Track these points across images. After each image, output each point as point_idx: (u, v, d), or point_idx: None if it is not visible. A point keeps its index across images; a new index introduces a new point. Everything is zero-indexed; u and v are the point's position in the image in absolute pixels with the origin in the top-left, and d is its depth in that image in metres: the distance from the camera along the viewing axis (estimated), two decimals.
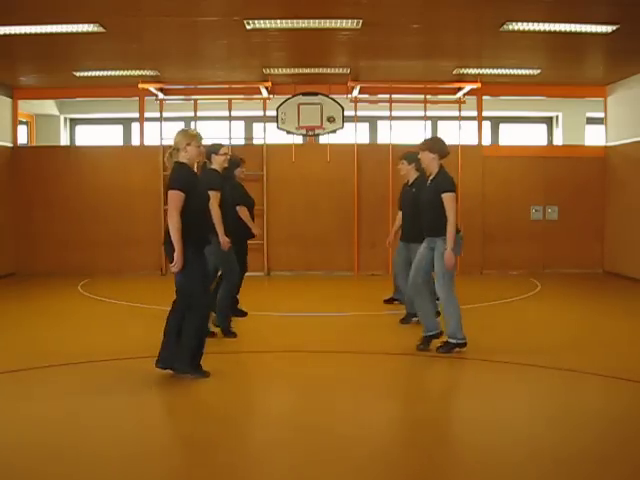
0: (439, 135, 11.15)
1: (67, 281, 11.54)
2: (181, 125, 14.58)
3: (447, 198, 6.26)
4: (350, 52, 10.55)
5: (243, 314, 8.19)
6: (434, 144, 6.55)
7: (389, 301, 9.06)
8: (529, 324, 8.25)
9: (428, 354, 6.46)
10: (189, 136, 5.73)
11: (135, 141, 13.87)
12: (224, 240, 6.88)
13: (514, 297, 10.03)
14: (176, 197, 5.45)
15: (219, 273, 7.21)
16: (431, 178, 6.54)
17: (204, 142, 5.95)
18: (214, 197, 6.59)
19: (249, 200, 8.21)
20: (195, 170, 6.04)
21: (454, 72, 11.55)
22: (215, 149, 7.06)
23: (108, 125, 15.07)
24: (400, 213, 8.31)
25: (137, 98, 12.75)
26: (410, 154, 7.74)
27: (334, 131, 12.35)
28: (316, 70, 11.47)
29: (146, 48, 9.99)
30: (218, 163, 7.07)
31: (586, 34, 8.75)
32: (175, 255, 5.42)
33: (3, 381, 5.69)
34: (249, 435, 4.56)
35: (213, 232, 6.64)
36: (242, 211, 7.84)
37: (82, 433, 4.48)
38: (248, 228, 7.98)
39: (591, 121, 14.54)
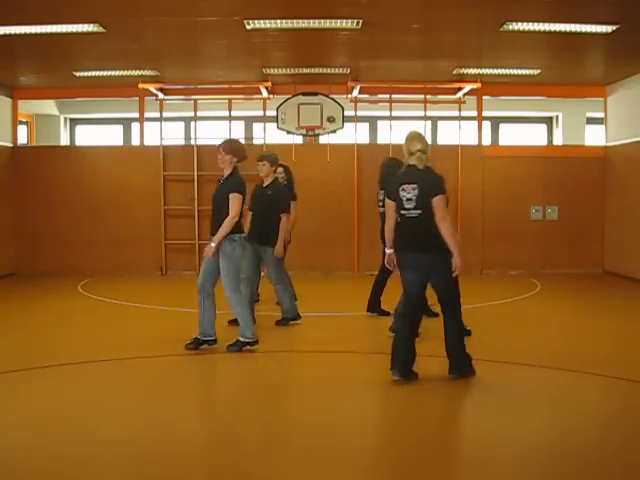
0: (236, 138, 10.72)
1: (67, 281, 11.54)
2: (181, 125, 14.60)
3: (232, 197, 6.38)
4: (350, 52, 10.55)
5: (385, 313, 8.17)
6: (229, 146, 6.63)
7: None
8: (529, 324, 8.25)
9: (426, 355, 6.45)
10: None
11: (135, 141, 13.87)
12: None
13: (514, 297, 10.03)
14: (445, 200, 5.44)
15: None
16: (223, 179, 6.64)
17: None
18: None
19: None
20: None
21: (454, 72, 11.55)
22: None
23: (108, 125, 15.06)
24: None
25: (137, 98, 12.75)
26: (270, 155, 7.87)
27: (334, 131, 12.35)
28: (316, 70, 11.46)
29: (146, 48, 9.99)
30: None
31: (586, 34, 8.74)
32: (455, 259, 5.38)
33: (3, 381, 5.69)
34: (244, 435, 4.57)
35: None
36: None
37: (82, 434, 4.48)
38: None
39: (591, 121, 14.53)
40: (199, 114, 13.07)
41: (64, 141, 14.77)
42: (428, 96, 12.74)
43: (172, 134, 13.99)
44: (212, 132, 14.28)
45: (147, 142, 13.00)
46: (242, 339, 6.51)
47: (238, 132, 14.24)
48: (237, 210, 6.37)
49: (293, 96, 12.27)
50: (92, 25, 8.30)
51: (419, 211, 5.42)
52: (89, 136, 15.09)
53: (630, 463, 3.96)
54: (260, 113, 12.86)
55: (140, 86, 11.99)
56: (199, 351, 6.54)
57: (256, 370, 6.31)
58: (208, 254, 6.36)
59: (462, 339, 5.72)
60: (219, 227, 6.37)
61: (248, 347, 6.52)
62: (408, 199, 5.45)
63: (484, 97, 12.82)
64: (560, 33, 8.71)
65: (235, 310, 6.59)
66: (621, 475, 3.83)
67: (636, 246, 11.56)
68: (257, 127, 14.12)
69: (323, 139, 12.95)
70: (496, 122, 14.72)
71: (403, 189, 5.48)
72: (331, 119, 12.22)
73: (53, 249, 12.66)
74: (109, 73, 11.27)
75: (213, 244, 6.35)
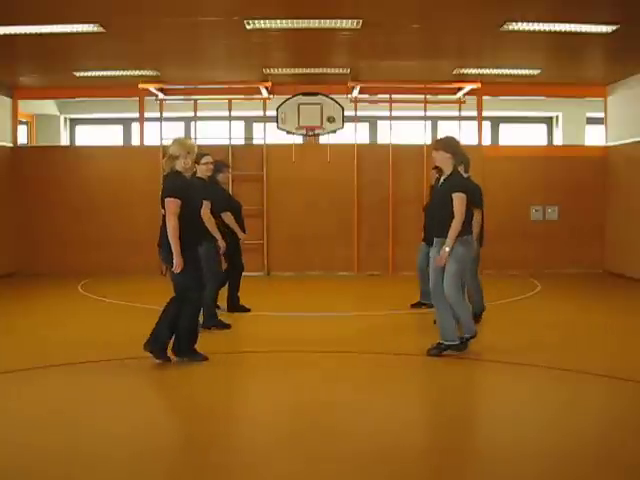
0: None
1: (67, 281, 11.54)
2: (181, 125, 14.59)
3: (455, 197, 6.21)
4: (350, 52, 10.56)
5: (246, 310, 8.54)
6: (449, 145, 6.44)
7: (416, 305, 8.73)
8: (529, 324, 8.24)
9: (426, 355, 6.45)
10: None
11: (135, 141, 13.87)
12: (223, 244, 7.50)
13: (514, 297, 10.03)
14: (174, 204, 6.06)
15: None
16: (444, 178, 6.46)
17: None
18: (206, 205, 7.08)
19: (234, 204, 8.41)
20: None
21: (454, 72, 11.55)
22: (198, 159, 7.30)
23: (108, 125, 15.07)
24: None
25: (137, 98, 12.75)
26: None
27: (334, 131, 12.35)
28: (316, 70, 11.47)
29: (146, 48, 10.00)
30: (202, 171, 7.51)
31: (586, 34, 8.75)
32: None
33: (3, 381, 5.69)
34: (246, 434, 4.57)
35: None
36: (227, 217, 8.00)
37: (82, 433, 4.48)
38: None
39: (591, 121, 14.54)
40: (199, 114, 13.08)
41: (64, 141, 14.78)
42: (428, 96, 12.74)
43: (172, 134, 13.96)
44: (212, 132, 14.28)
45: (147, 142, 13.00)
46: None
47: (238, 132, 14.25)
48: (463, 211, 6.14)
49: (293, 96, 12.27)
50: (92, 25, 8.31)
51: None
52: (89, 136, 15.09)
53: (635, 463, 3.95)
54: (260, 113, 12.87)
55: (140, 86, 12.00)
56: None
57: (259, 369, 6.31)
58: (442, 262, 6.10)
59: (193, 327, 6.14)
60: (443, 229, 6.15)
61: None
62: None
63: (484, 97, 12.83)
64: (560, 33, 8.72)
65: (457, 311, 6.31)
66: (627, 476, 3.82)
67: (636, 246, 11.56)
68: (257, 127, 14.12)
69: (323, 139, 12.95)
70: (496, 122, 14.72)
71: None
72: (331, 119, 12.21)
73: (53, 249, 12.66)
74: (109, 73, 11.27)
75: (447, 248, 6.07)
